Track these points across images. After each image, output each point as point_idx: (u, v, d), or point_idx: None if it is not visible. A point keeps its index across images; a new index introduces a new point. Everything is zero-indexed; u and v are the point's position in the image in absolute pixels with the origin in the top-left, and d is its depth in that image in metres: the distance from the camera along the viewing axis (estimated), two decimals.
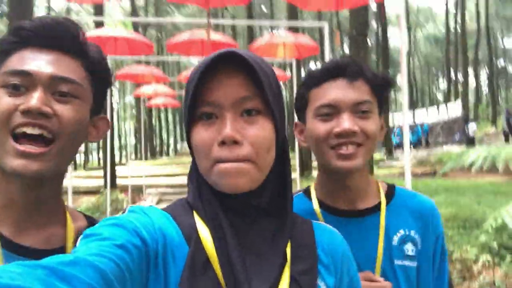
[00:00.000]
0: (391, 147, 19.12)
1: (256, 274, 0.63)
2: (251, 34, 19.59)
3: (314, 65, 54.63)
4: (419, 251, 1.00)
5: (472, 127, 20.89)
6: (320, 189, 1.07)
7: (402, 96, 3.71)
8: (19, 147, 0.69)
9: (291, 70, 9.25)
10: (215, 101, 0.64)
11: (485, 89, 50.28)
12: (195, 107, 0.65)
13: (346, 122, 0.93)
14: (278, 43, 6.69)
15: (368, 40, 8.57)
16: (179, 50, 6.84)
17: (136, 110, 24.76)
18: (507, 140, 19.96)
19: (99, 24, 10.55)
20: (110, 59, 7.36)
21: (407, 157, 3.72)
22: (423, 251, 1.00)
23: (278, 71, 9.58)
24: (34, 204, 0.76)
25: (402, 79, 3.74)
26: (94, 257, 0.51)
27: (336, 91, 0.96)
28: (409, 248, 1.00)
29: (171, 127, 48.76)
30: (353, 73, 0.97)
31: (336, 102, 0.95)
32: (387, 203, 1.03)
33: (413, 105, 46.36)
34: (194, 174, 0.70)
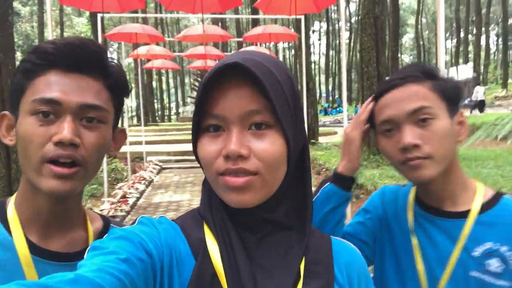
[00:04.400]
0: None
1: None
2: None
3: (319, 26, 52.88)
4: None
5: (479, 90, 20.12)
6: None
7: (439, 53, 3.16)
8: (55, 169, 0.74)
9: (299, 28, 8.44)
10: (220, 114, 0.61)
11: (493, 49, 48.78)
12: (202, 119, 0.63)
13: (406, 136, 0.93)
14: None
15: None
16: (174, 5, 6.07)
17: (134, 73, 23.88)
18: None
19: None
20: (101, 18, 6.61)
21: None
22: None
23: (286, 30, 8.80)
24: (59, 214, 0.82)
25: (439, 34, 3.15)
26: (95, 274, 0.51)
27: (391, 105, 0.96)
28: (494, 264, 0.93)
29: (172, 90, 47.92)
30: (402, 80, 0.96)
31: (392, 117, 0.96)
32: (483, 211, 0.97)
33: None
34: (207, 183, 0.68)
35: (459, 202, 0.99)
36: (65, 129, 0.73)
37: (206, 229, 0.66)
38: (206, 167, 0.63)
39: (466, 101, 24.81)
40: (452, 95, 0.96)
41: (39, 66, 0.76)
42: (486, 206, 0.97)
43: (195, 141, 0.65)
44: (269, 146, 0.60)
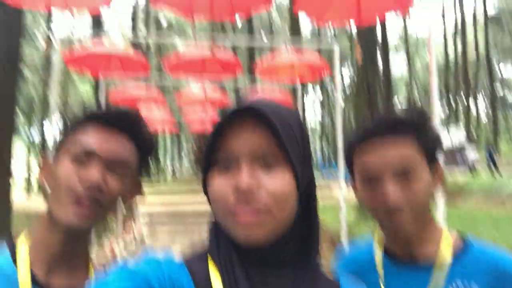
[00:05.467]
0: None
1: None
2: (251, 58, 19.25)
3: (313, 93, 54.65)
4: None
5: (470, 153, 20.44)
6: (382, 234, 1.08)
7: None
8: (77, 208, 0.85)
9: (295, 95, 8.78)
10: (231, 150, 0.64)
11: (483, 118, 50.24)
12: (212, 156, 0.65)
13: (390, 197, 0.94)
14: (285, 64, 6.19)
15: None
16: (180, 70, 6.38)
17: None
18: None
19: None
20: (104, 81, 6.87)
21: None
22: None
23: (284, 96, 9.12)
24: (68, 253, 0.89)
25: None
26: None
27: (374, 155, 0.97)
28: None
29: (169, 153, 48.25)
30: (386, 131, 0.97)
31: (375, 170, 0.97)
32: (454, 259, 0.98)
33: None
34: (214, 219, 0.69)
35: (428, 246, 1.00)
36: (95, 175, 0.86)
37: (211, 266, 0.66)
38: (216, 203, 0.64)
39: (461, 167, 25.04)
40: (433, 148, 0.99)
41: (82, 120, 0.91)
42: (457, 255, 0.99)
43: (204, 177, 0.67)
44: (278, 182, 0.62)
